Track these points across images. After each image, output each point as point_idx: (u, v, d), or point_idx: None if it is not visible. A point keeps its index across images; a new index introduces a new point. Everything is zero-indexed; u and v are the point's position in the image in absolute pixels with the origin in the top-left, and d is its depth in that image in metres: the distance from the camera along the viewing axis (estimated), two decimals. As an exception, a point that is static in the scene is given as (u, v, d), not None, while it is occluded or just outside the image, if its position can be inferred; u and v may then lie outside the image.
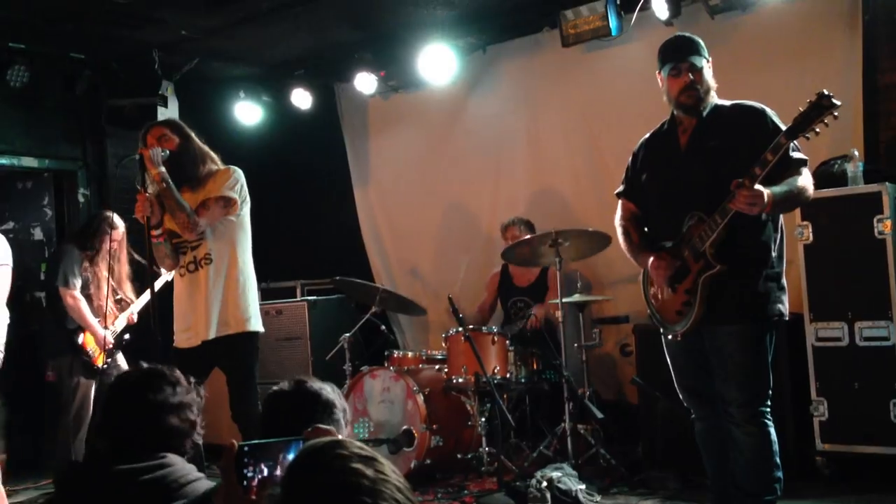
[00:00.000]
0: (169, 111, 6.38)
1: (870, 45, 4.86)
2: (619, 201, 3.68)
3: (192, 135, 4.17)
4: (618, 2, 5.36)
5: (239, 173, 4.16)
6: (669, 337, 3.44)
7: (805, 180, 3.20)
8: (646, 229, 3.59)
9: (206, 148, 4.20)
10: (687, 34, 3.44)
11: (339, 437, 1.95)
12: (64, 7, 5.44)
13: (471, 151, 6.52)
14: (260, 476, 1.66)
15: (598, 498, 4.40)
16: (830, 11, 4.97)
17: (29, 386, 5.74)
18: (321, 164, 7.32)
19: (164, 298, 4.23)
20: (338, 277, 5.94)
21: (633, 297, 3.95)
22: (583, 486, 4.33)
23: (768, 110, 3.30)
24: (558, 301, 4.98)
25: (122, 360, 5.34)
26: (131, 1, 5.30)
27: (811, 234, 4.43)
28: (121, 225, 5.32)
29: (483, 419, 4.96)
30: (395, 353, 5.56)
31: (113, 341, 5.24)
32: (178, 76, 6.58)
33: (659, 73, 3.41)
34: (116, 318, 5.32)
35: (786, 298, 3.32)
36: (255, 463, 1.66)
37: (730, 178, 3.05)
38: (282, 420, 2.14)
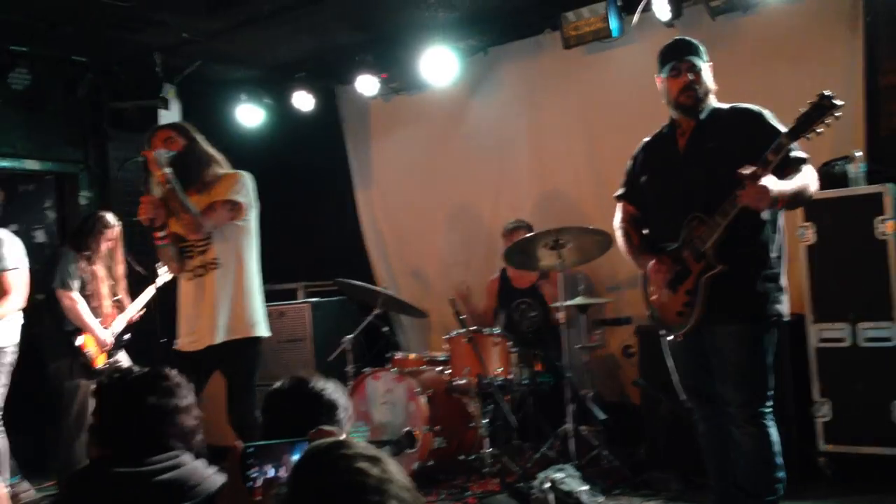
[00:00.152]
0: (170, 114, 6.40)
1: (871, 45, 4.86)
2: (619, 204, 3.70)
3: (199, 137, 4.16)
4: (619, 3, 5.37)
5: (247, 178, 4.14)
6: (670, 338, 3.45)
7: (809, 176, 3.19)
8: (645, 231, 3.60)
9: (213, 151, 4.18)
10: (686, 38, 3.45)
11: (343, 437, 1.96)
12: (66, 10, 5.45)
13: (472, 153, 6.53)
14: (264, 477, 1.67)
15: (601, 499, 4.40)
16: (832, 12, 4.97)
17: (30, 387, 5.74)
18: (323, 166, 7.33)
19: (166, 300, 4.23)
20: (339, 279, 5.95)
21: (636, 299, 3.95)
22: (585, 488, 4.33)
23: (766, 112, 3.31)
24: (560, 304, 4.99)
25: (124, 360, 5.33)
26: (133, 4, 5.31)
27: (813, 235, 4.44)
28: (116, 224, 5.32)
29: (485, 420, 4.96)
30: (398, 355, 5.57)
31: (112, 342, 5.25)
32: (179, 79, 6.59)
33: (658, 76, 3.43)
34: (115, 318, 5.33)
35: (785, 299, 3.32)
36: (259, 464, 1.67)
37: (728, 180, 3.06)
38: (284, 422, 2.14)
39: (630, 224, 3.62)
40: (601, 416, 4.80)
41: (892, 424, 4.18)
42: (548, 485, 4.24)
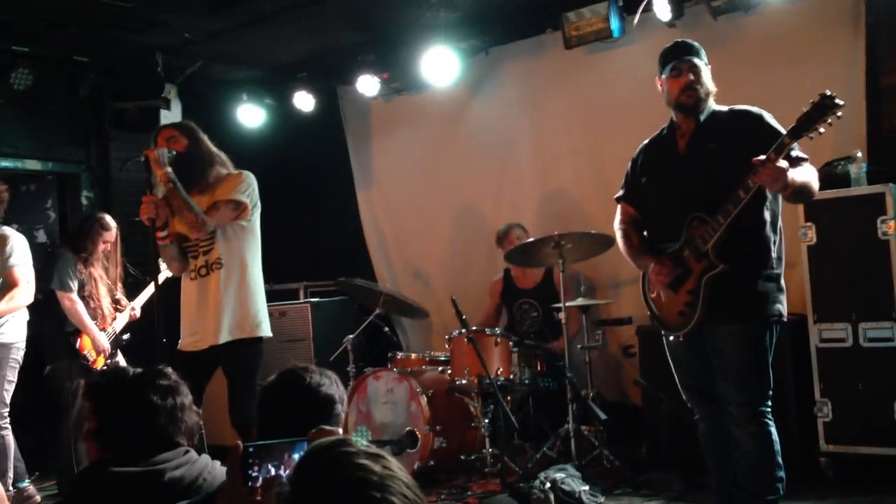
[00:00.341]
0: (172, 114, 6.40)
1: (873, 45, 4.86)
2: (619, 205, 3.70)
3: (203, 137, 4.16)
4: (620, 3, 5.37)
5: (251, 178, 4.14)
6: (671, 338, 3.46)
7: (812, 172, 3.22)
8: (645, 233, 3.60)
9: (216, 151, 4.18)
10: (687, 40, 3.46)
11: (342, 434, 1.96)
12: (67, 10, 5.46)
13: (473, 153, 6.53)
14: (265, 476, 1.66)
15: (602, 499, 4.40)
16: (833, 12, 4.97)
17: (30, 388, 5.74)
18: (324, 166, 7.33)
19: (167, 300, 4.23)
20: (341, 279, 5.95)
21: (636, 299, 3.95)
22: (586, 488, 4.33)
23: (766, 114, 3.32)
24: (561, 304, 4.99)
25: (122, 361, 5.33)
26: (135, 4, 5.31)
27: (814, 235, 4.44)
28: (113, 226, 5.33)
29: (486, 420, 4.96)
30: (399, 355, 5.56)
31: (110, 348, 5.25)
32: (181, 79, 6.60)
33: (659, 77, 3.44)
34: (114, 319, 5.33)
35: (784, 299, 3.34)
36: (260, 463, 1.66)
37: (728, 181, 3.09)
38: (281, 419, 2.13)
39: (630, 225, 3.63)
40: (602, 416, 4.79)
41: (894, 424, 4.18)
42: (549, 485, 4.24)
